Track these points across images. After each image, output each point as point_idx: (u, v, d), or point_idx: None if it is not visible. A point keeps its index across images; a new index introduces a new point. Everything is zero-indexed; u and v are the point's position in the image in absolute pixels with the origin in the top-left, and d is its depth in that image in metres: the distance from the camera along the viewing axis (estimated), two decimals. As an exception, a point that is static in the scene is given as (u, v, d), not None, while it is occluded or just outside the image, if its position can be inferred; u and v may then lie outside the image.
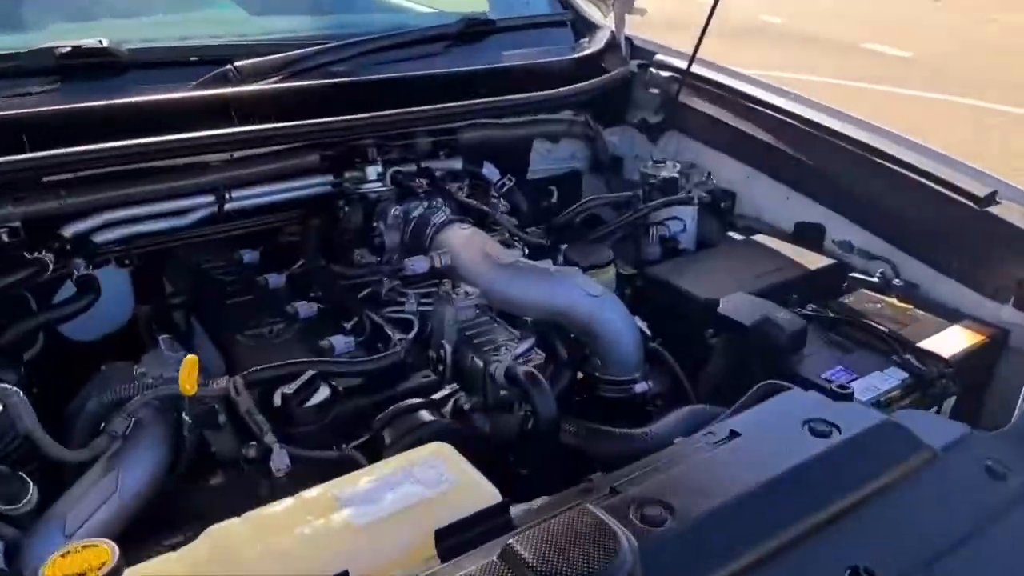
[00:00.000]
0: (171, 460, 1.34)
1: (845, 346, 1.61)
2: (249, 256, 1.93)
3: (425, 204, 1.84)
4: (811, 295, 1.77)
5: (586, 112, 2.37)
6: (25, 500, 1.15)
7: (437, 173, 2.08)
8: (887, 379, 1.50)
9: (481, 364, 1.56)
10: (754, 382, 1.54)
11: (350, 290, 1.78)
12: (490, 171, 2.17)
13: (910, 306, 1.72)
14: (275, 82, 1.89)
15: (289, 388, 1.32)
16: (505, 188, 2.11)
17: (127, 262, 1.89)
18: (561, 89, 2.13)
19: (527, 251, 1.79)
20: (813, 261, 1.90)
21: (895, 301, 1.74)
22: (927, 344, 1.58)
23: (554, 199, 2.43)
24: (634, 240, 2.15)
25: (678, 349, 1.72)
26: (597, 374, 1.63)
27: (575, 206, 2.03)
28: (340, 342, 1.51)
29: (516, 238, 1.85)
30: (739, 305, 1.63)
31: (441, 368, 1.58)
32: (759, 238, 2.02)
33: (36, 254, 1.63)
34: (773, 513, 0.98)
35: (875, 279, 1.82)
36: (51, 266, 1.63)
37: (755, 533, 0.95)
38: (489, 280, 1.61)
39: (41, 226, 1.72)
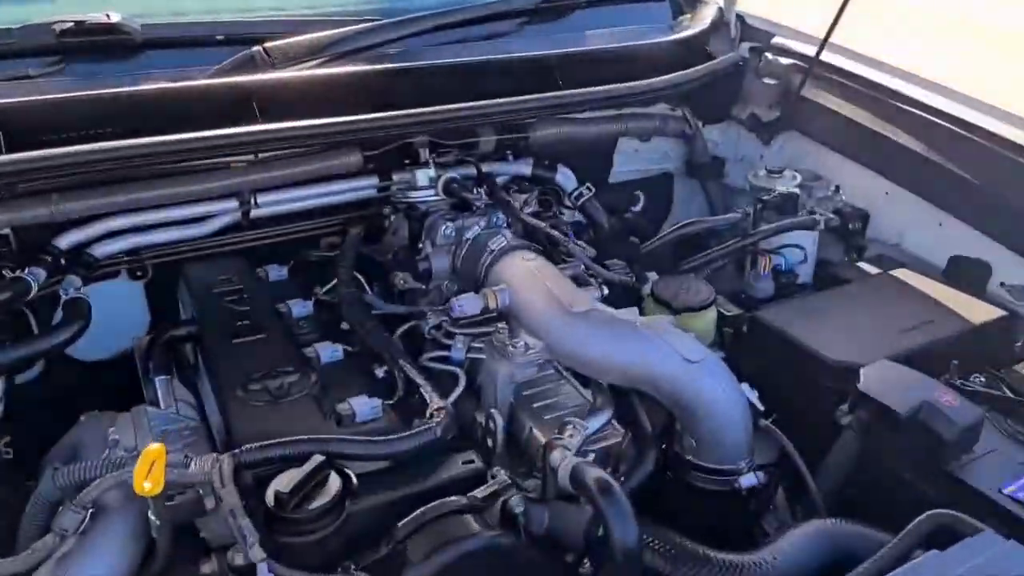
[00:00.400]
0: (142, 557, 1.04)
1: (1031, 442, 1.20)
2: (276, 273, 1.64)
3: (482, 223, 1.50)
4: (976, 360, 1.36)
5: (685, 106, 1.98)
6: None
7: (501, 178, 1.73)
8: (1100, 502, 1.08)
9: (541, 441, 1.22)
10: (901, 487, 1.17)
11: (386, 323, 1.46)
12: (565, 177, 1.81)
13: (1118, 385, 1.28)
14: (312, 67, 1.58)
15: (286, 484, 1.00)
16: (583, 200, 1.74)
17: (139, 274, 1.64)
18: (657, 79, 1.75)
19: (607, 290, 1.41)
20: (977, 312, 1.47)
21: (1095, 376, 1.31)
22: None
23: (639, 206, 2.06)
24: (737, 266, 1.76)
25: (792, 420, 1.34)
26: (690, 457, 1.26)
27: (668, 232, 1.65)
28: (364, 407, 1.19)
29: (594, 275, 1.47)
30: (887, 379, 1.23)
31: (489, 442, 1.24)
32: (902, 275, 1.59)
33: (18, 272, 1.37)
34: None
35: (1064, 342, 1.39)
36: (34, 287, 1.36)
37: None
38: (556, 332, 1.26)
39: (35, 234, 1.47)
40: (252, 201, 1.58)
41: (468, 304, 1.31)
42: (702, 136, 2.02)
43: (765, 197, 1.69)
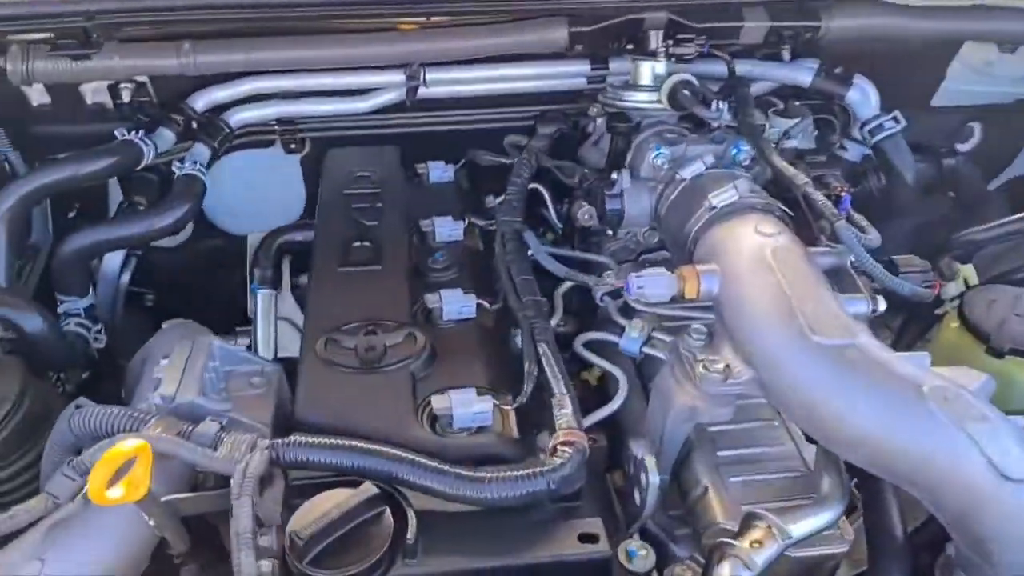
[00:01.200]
0: (153, 543, 0.81)
1: None
2: (439, 173, 1.30)
3: (710, 158, 1.00)
4: None
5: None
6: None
7: (761, 86, 1.21)
8: None
9: (716, 517, 0.79)
10: None
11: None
12: (862, 95, 1.24)
13: None
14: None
15: (312, 521, 0.69)
16: (882, 135, 1.16)
17: (293, 146, 1.39)
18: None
19: (883, 305, 0.86)
20: None
21: None
22: None
23: (970, 144, 1.42)
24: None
25: None
26: (964, 611, 0.76)
27: (1004, 222, 1.02)
28: (467, 410, 0.83)
29: (868, 275, 0.92)
30: None
31: (636, 495, 0.83)
32: None
33: (132, 133, 1.15)
34: None
35: None
36: (147, 153, 1.14)
37: None
38: (782, 367, 0.78)
39: (174, 86, 1.25)
40: (421, 77, 1.24)
41: (651, 285, 0.86)
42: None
43: None
